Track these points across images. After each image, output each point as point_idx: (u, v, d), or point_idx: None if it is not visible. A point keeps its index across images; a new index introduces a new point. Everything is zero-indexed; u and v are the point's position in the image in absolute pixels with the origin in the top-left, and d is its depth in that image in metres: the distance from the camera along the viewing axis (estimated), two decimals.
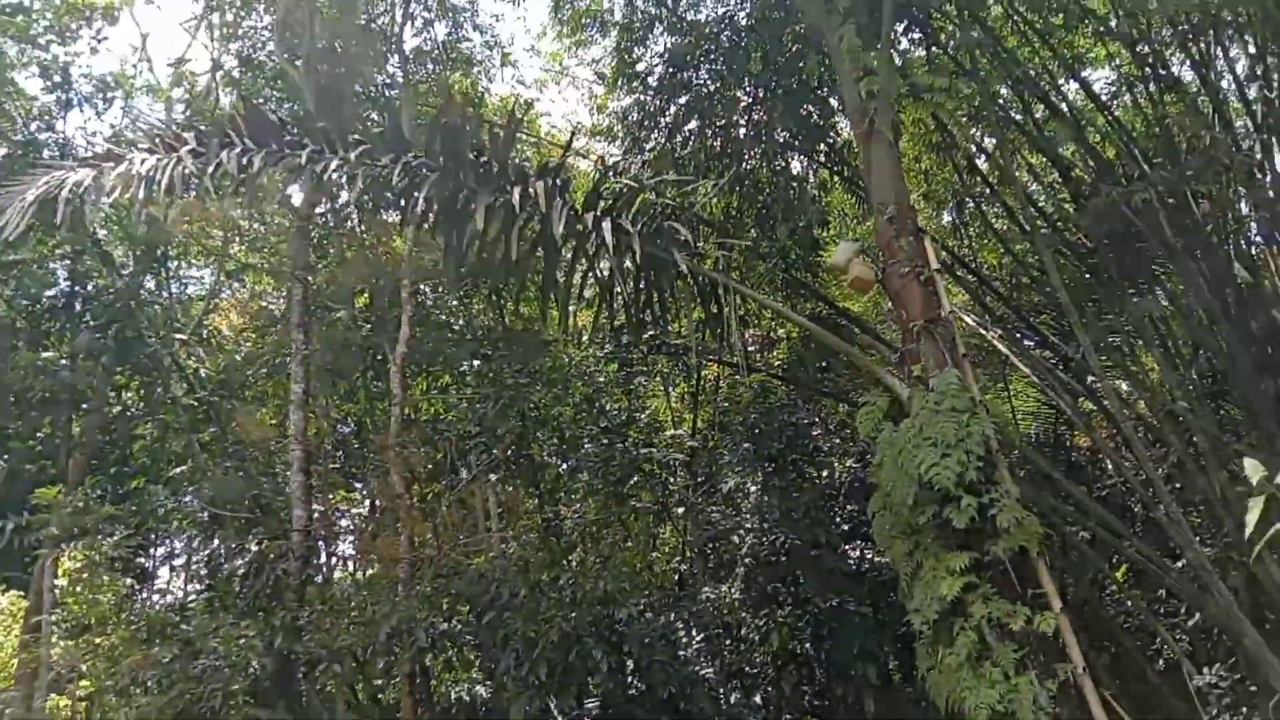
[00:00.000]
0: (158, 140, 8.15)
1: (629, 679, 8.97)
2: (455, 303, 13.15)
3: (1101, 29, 11.20)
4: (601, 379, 11.48)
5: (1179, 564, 9.68)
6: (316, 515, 11.72)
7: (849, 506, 10.59)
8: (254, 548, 10.74)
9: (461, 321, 12.99)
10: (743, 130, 11.19)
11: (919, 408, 7.30)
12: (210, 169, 7.83)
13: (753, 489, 10.42)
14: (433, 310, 13.47)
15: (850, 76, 8.01)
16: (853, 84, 8.02)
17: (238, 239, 16.56)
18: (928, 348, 7.68)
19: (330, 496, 12.48)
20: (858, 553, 10.78)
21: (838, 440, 10.78)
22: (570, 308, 9.77)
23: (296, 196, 13.77)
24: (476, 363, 11.82)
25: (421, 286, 13.45)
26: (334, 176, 8.05)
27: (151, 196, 7.73)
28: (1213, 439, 8.95)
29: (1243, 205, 10.29)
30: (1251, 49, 9.26)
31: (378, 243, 14.11)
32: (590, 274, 9.53)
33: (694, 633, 10.36)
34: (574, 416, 11.33)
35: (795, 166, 12.82)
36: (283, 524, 11.26)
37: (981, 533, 6.96)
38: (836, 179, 13.03)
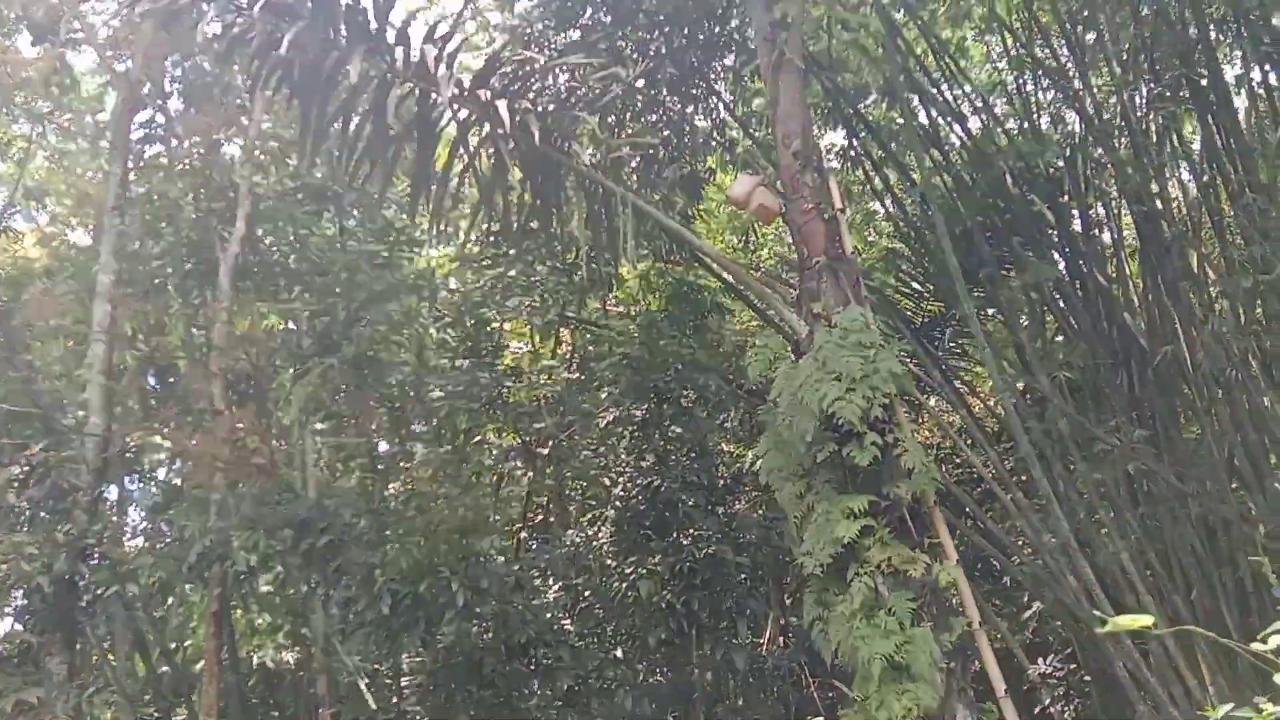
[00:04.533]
0: None
1: (480, 623, 8.41)
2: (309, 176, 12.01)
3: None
4: (477, 294, 10.75)
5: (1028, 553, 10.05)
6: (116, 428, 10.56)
7: (732, 452, 10.39)
8: (37, 452, 9.50)
9: (310, 216, 11.89)
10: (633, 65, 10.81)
11: (823, 342, 7.14)
12: None
13: (629, 428, 10.00)
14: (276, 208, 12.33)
15: (759, 2, 7.77)
16: (761, 10, 7.83)
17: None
18: (830, 285, 7.70)
19: (136, 405, 11.29)
20: (740, 505, 10.58)
21: (727, 385, 10.51)
22: (445, 204, 9.09)
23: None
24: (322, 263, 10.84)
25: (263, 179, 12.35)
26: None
27: None
28: (1073, 424, 9.31)
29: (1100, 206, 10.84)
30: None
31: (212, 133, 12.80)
32: (471, 169, 8.86)
33: (551, 580, 9.90)
34: (437, 332, 10.57)
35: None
36: (78, 429, 10.07)
37: (879, 476, 6.89)
38: (731, 120, 12.80)
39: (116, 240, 10.80)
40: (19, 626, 8.24)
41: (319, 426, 12.10)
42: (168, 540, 9.81)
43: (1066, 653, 11.24)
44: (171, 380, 13.29)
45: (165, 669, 13.41)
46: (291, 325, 12.58)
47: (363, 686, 11.50)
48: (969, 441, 11.02)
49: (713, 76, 12.23)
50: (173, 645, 13.98)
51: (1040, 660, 11.19)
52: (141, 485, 12.51)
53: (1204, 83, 9.22)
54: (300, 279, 11.63)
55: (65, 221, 16.46)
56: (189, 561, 7.90)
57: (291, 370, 10.15)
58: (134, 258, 12.12)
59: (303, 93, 8.34)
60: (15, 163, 15.85)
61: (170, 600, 13.02)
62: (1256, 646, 2.04)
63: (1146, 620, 2.01)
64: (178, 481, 11.41)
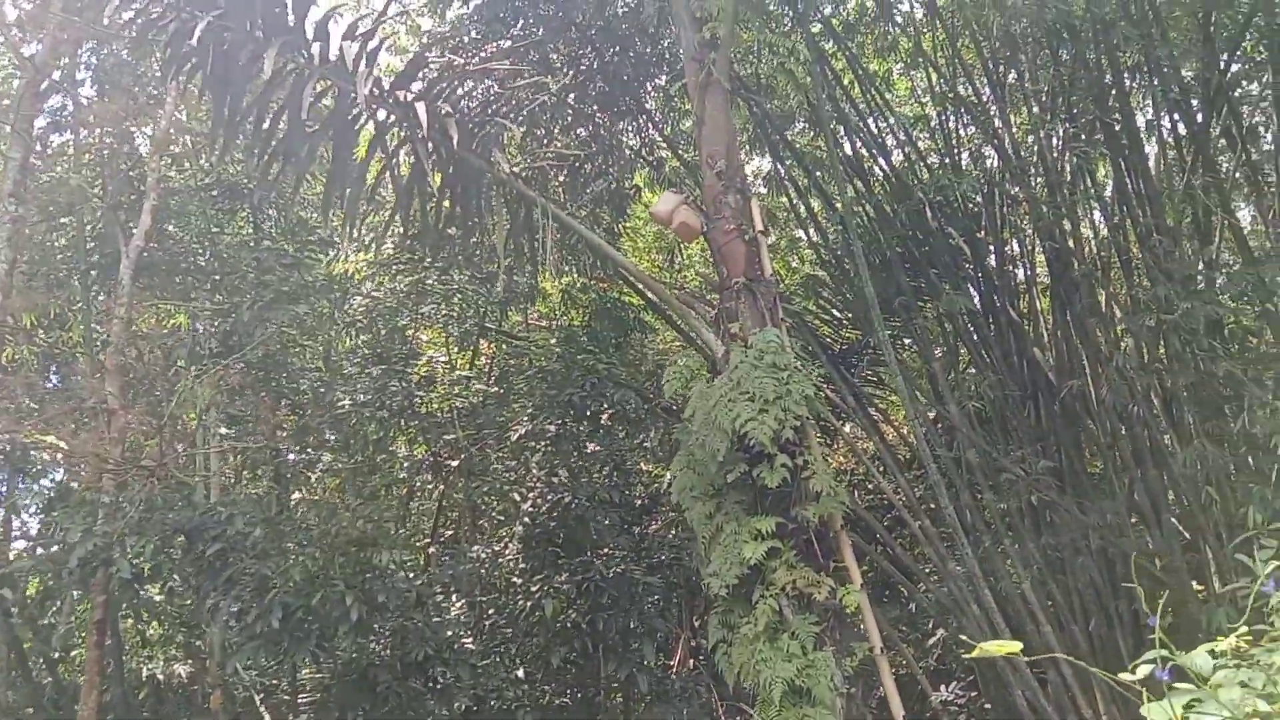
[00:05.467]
0: None
1: (378, 640, 8.14)
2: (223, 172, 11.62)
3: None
4: (390, 301, 10.46)
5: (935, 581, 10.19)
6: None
7: (651, 472, 10.28)
8: None
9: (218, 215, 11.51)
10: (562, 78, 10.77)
11: (738, 362, 7.15)
12: None
13: (543, 443, 9.84)
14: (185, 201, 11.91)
15: (688, 20, 7.84)
16: (690, 29, 7.89)
17: None
18: (748, 306, 7.77)
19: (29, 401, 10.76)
20: (656, 525, 10.48)
21: (646, 403, 10.42)
22: (360, 206, 8.86)
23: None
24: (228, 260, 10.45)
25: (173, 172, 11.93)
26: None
27: None
28: (982, 454, 9.51)
29: (1015, 242, 11.19)
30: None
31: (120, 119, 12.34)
32: (389, 171, 8.68)
33: (454, 597, 9.65)
34: (349, 339, 10.27)
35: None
36: None
37: (788, 498, 6.93)
38: (660, 139, 12.84)
39: (12, 228, 10.31)
40: None
41: (222, 431, 11.72)
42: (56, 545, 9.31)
43: (968, 680, 11.38)
44: (76, 377, 12.75)
45: (48, 680, 12.81)
46: (199, 326, 12.20)
47: (258, 702, 11.11)
48: (881, 468, 11.13)
49: (643, 95, 12.26)
50: (56, 655, 13.36)
51: (943, 687, 11.30)
52: (24, 485, 11.92)
53: (1117, 127, 9.53)
54: (207, 277, 11.25)
55: None
56: (69, 566, 7.49)
57: (194, 371, 9.77)
58: (36, 248, 11.61)
59: (217, 84, 8.10)
60: None
61: (56, 607, 12.47)
62: (1125, 676, 2.02)
63: (1014, 646, 1.98)
64: (75, 484, 10.89)
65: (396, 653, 8.15)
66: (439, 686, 8.17)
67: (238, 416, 10.57)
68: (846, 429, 11.79)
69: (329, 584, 7.37)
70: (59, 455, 9.80)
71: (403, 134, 8.30)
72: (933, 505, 9.97)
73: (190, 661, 12.50)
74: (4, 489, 12.35)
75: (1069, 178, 10.11)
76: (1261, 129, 12.00)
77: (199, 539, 7.71)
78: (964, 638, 9.68)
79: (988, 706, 10.91)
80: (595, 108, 11.72)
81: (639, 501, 10.65)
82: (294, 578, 7.19)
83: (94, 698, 9.53)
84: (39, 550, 11.13)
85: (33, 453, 10.93)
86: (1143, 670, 2.00)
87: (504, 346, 12.59)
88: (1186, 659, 2.00)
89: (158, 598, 11.85)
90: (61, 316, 13.91)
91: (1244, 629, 2.49)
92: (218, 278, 10.85)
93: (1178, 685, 1.99)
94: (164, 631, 12.88)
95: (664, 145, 13.04)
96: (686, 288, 14.28)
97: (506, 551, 9.99)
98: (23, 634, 12.15)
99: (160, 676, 12.25)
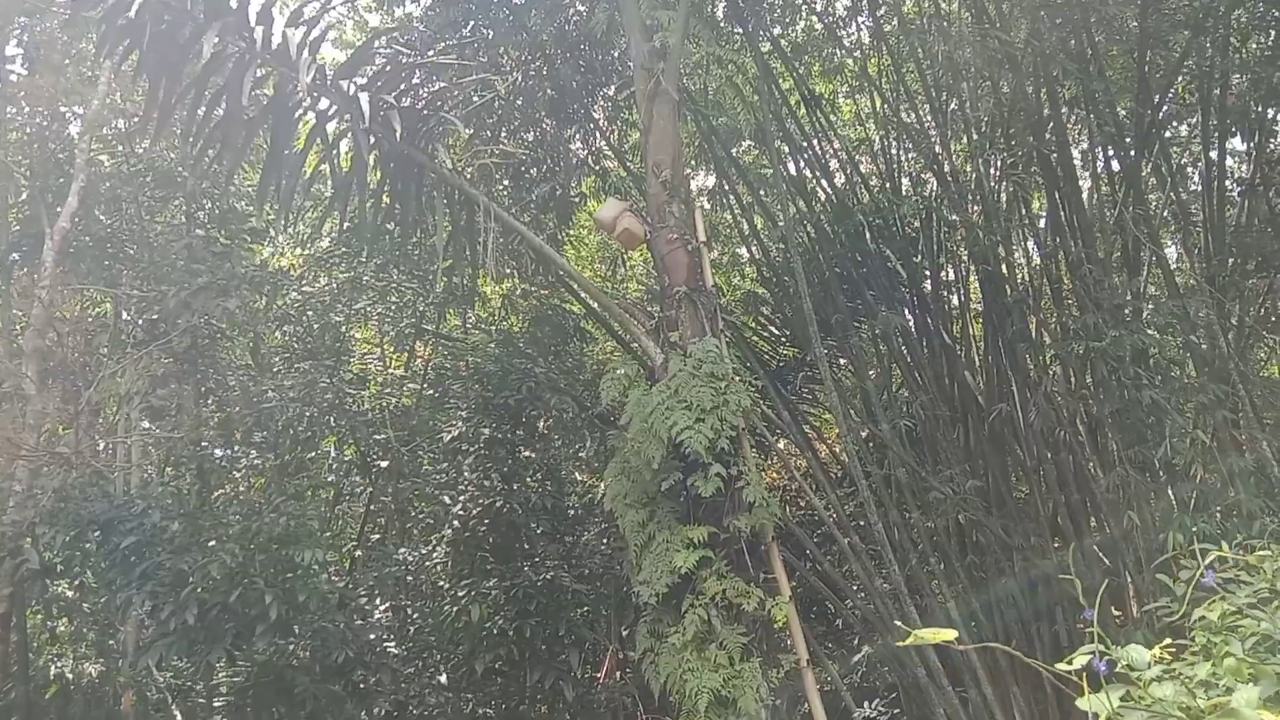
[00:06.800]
0: None
1: (298, 641, 7.90)
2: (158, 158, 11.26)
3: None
4: (325, 295, 10.21)
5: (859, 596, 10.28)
6: None
7: (584, 482, 10.16)
8: None
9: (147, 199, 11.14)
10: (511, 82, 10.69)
11: (676, 370, 7.14)
12: None
13: (474, 446, 9.67)
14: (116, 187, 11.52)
15: (638, 29, 7.86)
16: (641, 39, 7.92)
17: None
18: (688, 316, 7.82)
19: None
20: (587, 535, 10.37)
21: (582, 412, 10.33)
22: (295, 197, 8.64)
23: None
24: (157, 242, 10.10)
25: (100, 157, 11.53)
26: None
27: None
28: (911, 473, 9.64)
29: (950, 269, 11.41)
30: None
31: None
32: (328, 162, 8.49)
33: (378, 600, 9.43)
34: (282, 336, 10.00)
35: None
36: None
37: (721, 508, 6.93)
38: (606, 148, 12.81)
39: None
40: None
41: (145, 425, 11.34)
42: None
43: (891, 698, 11.45)
44: None
45: None
46: (125, 316, 11.81)
47: (171, 703, 10.72)
48: (813, 485, 11.20)
49: (591, 103, 12.21)
50: None
51: (865, 704, 11.36)
52: None
53: (1053, 159, 9.75)
54: (134, 264, 10.88)
55: None
56: None
57: (118, 359, 9.42)
58: None
59: (154, 65, 7.84)
60: None
61: None
62: (1060, 667, 2.01)
63: (949, 634, 1.96)
64: None
65: (316, 655, 7.93)
66: (359, 691, 7.96)
67: (160, 408, 10.23)
68: (780, 445, 11.84)
69: (248, 581, 7.15)
70: None
71: (344, 125, 8.14)
72: (862, 522, 10.07)
73: (101, 660, 12.03)
74: None
75: (1005, 206, 10.32)
76: (1189, 169, 12.41)
77: (114, 531, 7.42)
78: (888, 654, 9.79)
79: None
80: (542, 113, 11.66)
81: (571, 511, 10.55)
82: (212, 574, 6.95)
83: None
84: None
85: None
86: (1079, 661, 1.99)
87: (440, 350, 12.42)
88: (1123, 652, 2.00)
89: (69, 593, 11.41)
90: None
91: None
92: (146, 267, 10.50)
93: (1113, 681, 1.99)
94: (74, 628, 12.37)
95: (610, 155, 13.02)
96: (629, 298, 14.26)
97: (434, 555, 9.80)
98: None
99: (69, 675, 11.75)
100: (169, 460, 12.53)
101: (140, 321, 9.99)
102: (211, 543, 7.32)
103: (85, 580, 8.64)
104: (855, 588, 10.70)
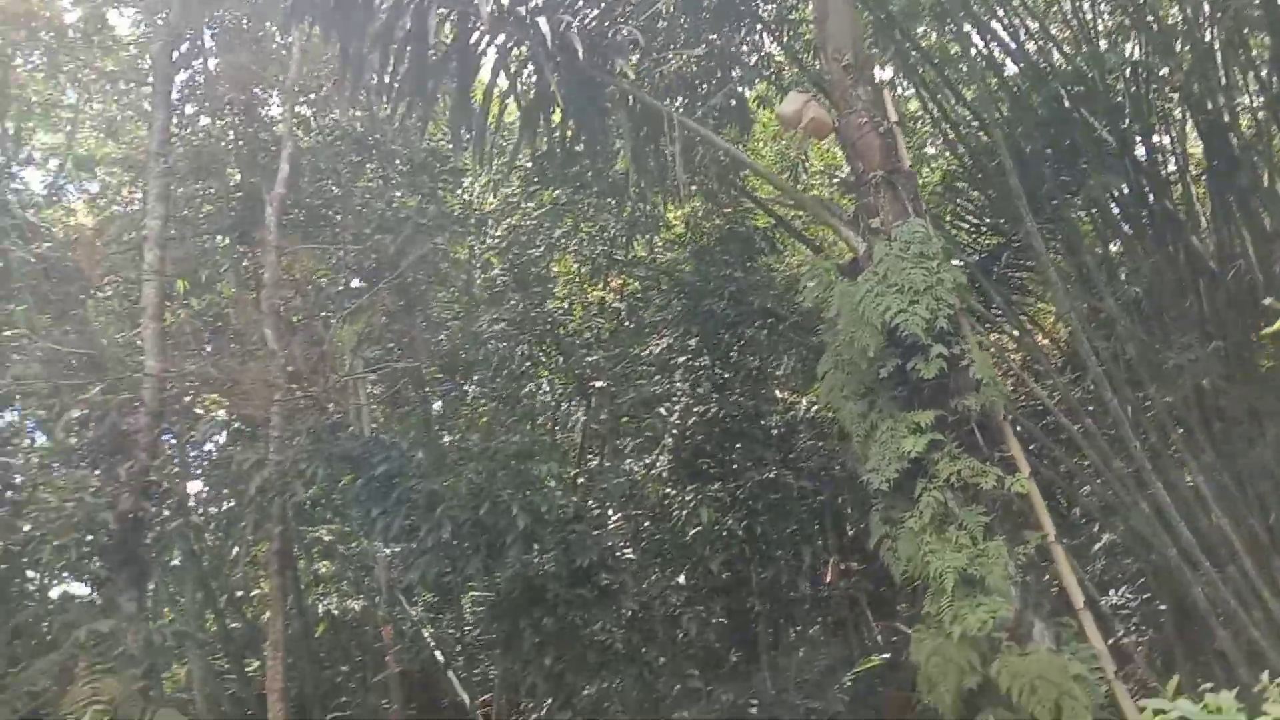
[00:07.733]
0: None
1: (542, 551, 8.34)
2: (351, 127, 11.86)
3: None
4: (528, 224, 10.52)
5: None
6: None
7: (786, 399, 10.12)
8: (97, 396, 9.54)
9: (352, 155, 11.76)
10: None
11: (883, 255, 6.91)
12: None
13: (683, 357, 9.81)
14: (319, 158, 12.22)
15: None
16: None
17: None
18: (888, 200, 7.47)
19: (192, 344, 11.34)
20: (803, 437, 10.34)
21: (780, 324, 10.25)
22: (488, 130, 8.89)
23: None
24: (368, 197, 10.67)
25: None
26: None
27: None
28: (1143, 346, 9.04)
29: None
30: None
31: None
32: (513, 93, 8.68)
33: (611, 511, 9.81)
34: (484, 271, 10.43)
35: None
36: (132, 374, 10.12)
37: (945, 390, 6.65)
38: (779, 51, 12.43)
39: (162, 183, 10.77)
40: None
41: (369, 354, 11.98)
42: (226, 481, 9.78)
43: (1139, 584, 10.96)
44: (220, 324, 13.36)
45: (235, 625, 13.59)
46: (344, 271, 12.56)
47: (425, 634, 11.59)
48: (1032, 373, 10.74)
49: (756, 5, 11.84)
50: (239, 594, 14.17)
51: (1111, 592, 10.92)
52: (192, 426, 12.50)
53: None
54: (344, 223, 11.54)
55: (115, 191, 16.49)
56: (249, 494, 7.91)
57: (343, 310, 10.09)
58: (183, 208, 12.08)
59: (337, 23, 8.19)
60: (64, 134, 15.83)
61: (233, 545, 13.15)
62: None
63: None
64: (239, 425, 11.45)
65: (561, 562, 8.35)
66: (605, 592, 8.34)
67: (384, 341, 10.80)
68: (991, 337, 11.40)
69: (493, 496, 7.58)
70: (227, 395, 10.29)
71: (523, 56, 8.26)
72: (1091, 407, 9.60)
73: (361, 597, 13.07)
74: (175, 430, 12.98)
75: (1219, 51, 9.43)
76: None
77: (366, 464, 8.02)
78: (1133, 539, 9.32)
79: (1162, 609, 10.50)
80: (708, 22, 11.42)
81: (775, 431, 10.52)
82: (460, 492, 7.42)
83: (279, 624, 10.05)
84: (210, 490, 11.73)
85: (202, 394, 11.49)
86: None
87: (632, 277, 12.59)
88: None
89: (327, 538, 12.45)
90: (211, 278, 14.54)
91: None
92: (354, 224, 11.13)
93: None
94: (334, 570, 13.48)
95: (781, 58, 12.67)
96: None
97: (657, 464, 10.07)
98: (206, 566, 12.91)
99: (335, 612, 12.85)
100: (393, 401, 13.36)
101: (362, 269, 10.56)
102: (457, 464, 7.80)
103: (345, 514, 9.37)
104: (1090, 473, 10.25)
